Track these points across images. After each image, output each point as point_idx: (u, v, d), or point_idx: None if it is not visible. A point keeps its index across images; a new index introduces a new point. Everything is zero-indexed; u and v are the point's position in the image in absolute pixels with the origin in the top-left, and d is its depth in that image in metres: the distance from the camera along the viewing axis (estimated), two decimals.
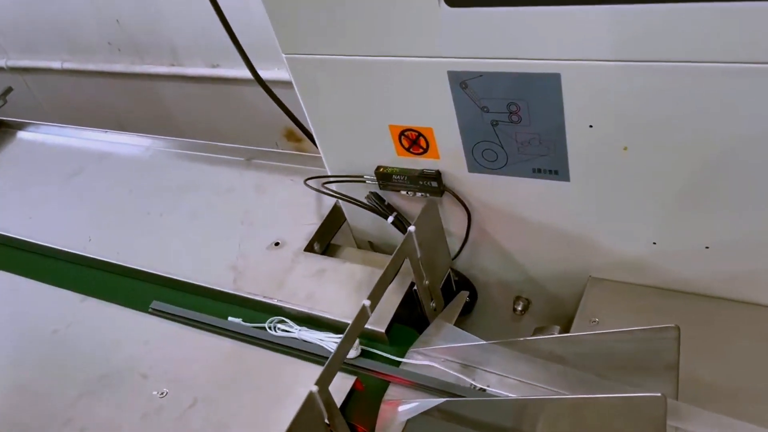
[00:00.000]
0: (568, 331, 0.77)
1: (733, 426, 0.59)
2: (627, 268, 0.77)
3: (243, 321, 0.84)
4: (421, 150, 0.77)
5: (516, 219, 0.79)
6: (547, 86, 0.63)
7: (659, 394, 0.52)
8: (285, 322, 0.81)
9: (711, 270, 0.72)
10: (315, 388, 0.61)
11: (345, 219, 0.95)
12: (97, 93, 2.02)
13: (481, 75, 0.66)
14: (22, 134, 1.38)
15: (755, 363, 0.67)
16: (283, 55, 0.76)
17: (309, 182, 0.87)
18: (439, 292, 0.83)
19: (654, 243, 0.72)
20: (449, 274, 0.86)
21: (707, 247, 0.69)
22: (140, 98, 1.94)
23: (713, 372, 0.67)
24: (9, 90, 1.44)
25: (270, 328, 0.81)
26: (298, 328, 0.80)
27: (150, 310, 0.89)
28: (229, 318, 0.84)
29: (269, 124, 1.74)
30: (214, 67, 1.69)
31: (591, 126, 0.65)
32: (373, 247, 0.95)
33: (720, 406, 0.64)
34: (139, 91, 1.91)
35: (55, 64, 1.99)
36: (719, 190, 0.64)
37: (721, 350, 0.69)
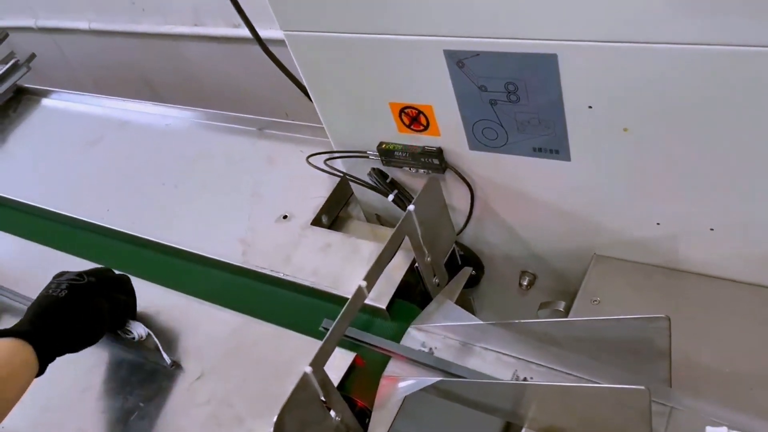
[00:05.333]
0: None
1: (723, 413, 0.59)
2: (631, 247, 0.75)
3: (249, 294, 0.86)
4: (421, 127, 0.76)
5: (518, 196, 0.78)
6: (544, 67, 0.61)
7: (643, 388, 0.52)
8: None
9: (716, 251, 0.70)
10: (309, 369, 0.62)
11: (353, 191, 0.95)
12: (124, 53, 2.04)
13: (477, 54, 0.64)
14: (46, 101, 1.41)
15: (756, 346, 0.66)
16: (283, 32, 0.75)
17: (312, 159, 0.87)
18: (443, 268, 0.83)
19: (658, 223, 0.71)
20: (454, 249, 0.86)
21: (712, 229, 0.68)
22: (165, 58, 1.95)
23: (712, 355, 0.67)
24: (32, 57, 1.46)
25: None
26: None
27: None
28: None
29: (291, 84, 1.75)
30: (235, 26, 1.68)
31: (590, 107, 0.63)
32: (380, 220, 0.96)
33: (717, 391, 0.64)
34: (164, 51, 1.92)
35: (82, 25, 2.01)
36: (723, 173, 0.62)
37: (723, 332, 0.68)
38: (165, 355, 0.79)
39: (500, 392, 0.65)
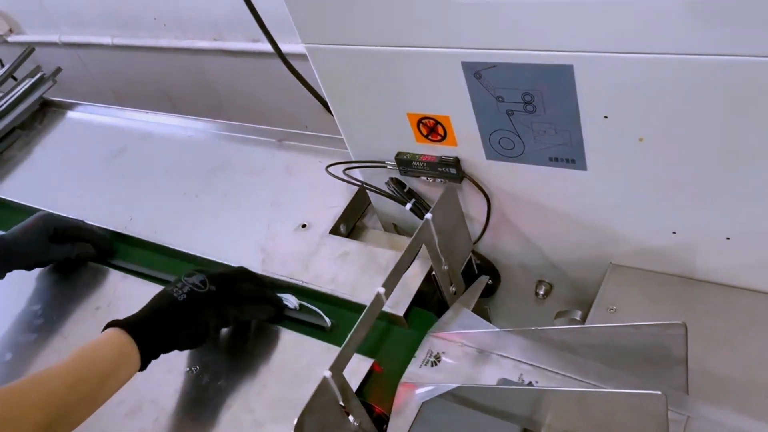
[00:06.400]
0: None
1: (740, 420, 0.59)
2: (647, 257, 0.76)
3: None
4: (439, 137, 0.78)
5: (535, 206, 0.79)
6: (561, 77, 0.63)
7: (659, 393, 0.52)
8: None
9: (732, 260, 0.70)
10: (328, 374, 0.63)
11: (370, 202, 0.97)
12: (145, 67, 2.08)
13: (494, 66, 0.66)
14: (71, 114, 1.44)
15: None
16: (303, 45, 0.77)
17: (331, 168, 0.89)
18: (459, 277, 0.84)
19: (674, 233, 0.71)
20: (471, 258, 0.87)
21: (728, 238, 0.68)
22: (185, 72, 1.98)
23: (729, 364, 0.67)
24: (58, 70, 1.50)
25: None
26: None
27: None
28: None
29: (310, 97, 1.78)
30: (254, 41, 1.71)
31: (606, 117, 0.64)
32: (397, 229, 0.97)
33: (734, 400, 0.64)
34: (184, 65, 1.96)
35: (106, 40, 2.05)
36: (739, 182, 0.63)
37: (741, 341, 0.69)
38: (326, 318, 0.83)
39: (517, 398, 0.66)
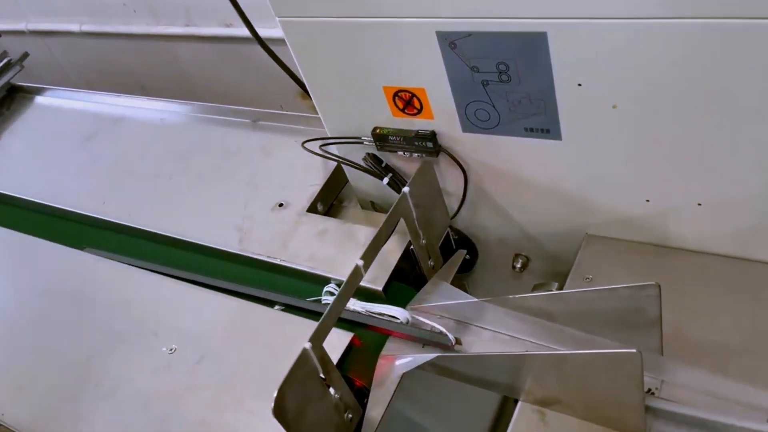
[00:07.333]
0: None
1: (713, 380, 0.60)
2: (622, 226, 0.77)
3: (246, 280, 0.87)
4: (415, 111, 0.78)
5: (512, 177, 0.79)
6: (534, 45, 0.63)
7: (635, 350, 0.53)
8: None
9: (704, 227, 0.72)
10: (308, 345, 0.63)
11: (347, 180, 0.96)
12: (116, 55, 2.04)
13: (469, 35, 0.66)
14: (39, 99, 1.41)
15: (744, 318, 0.68)
16: (277, 19, 0.76)
17: (307, 144, 0.88)
18: (437, 251, 0.84)
19: (647, 200, 0.72)
20: (448, 233, 0.88)
21: (699, 204, 0.69)
22: (157, 59, 1.95)
23: (702, 328, 0.68)
24: (25, 55, 1.47)
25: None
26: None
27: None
28: None
29: (284, 83, 1.76)
30: (227, 26, 1.69)
31: (580, 84, 0.64)
32: (374, 206, 0.97)
33: (707, 362, 0.65)
34: (156, 52, 1.93)
35: (74, 27, 2.01)
36: (709, 148, 0.64)
37: (713, 306, 0.70)
38: (450, 335, 0.74)
39: (497, 365, 0.66)
